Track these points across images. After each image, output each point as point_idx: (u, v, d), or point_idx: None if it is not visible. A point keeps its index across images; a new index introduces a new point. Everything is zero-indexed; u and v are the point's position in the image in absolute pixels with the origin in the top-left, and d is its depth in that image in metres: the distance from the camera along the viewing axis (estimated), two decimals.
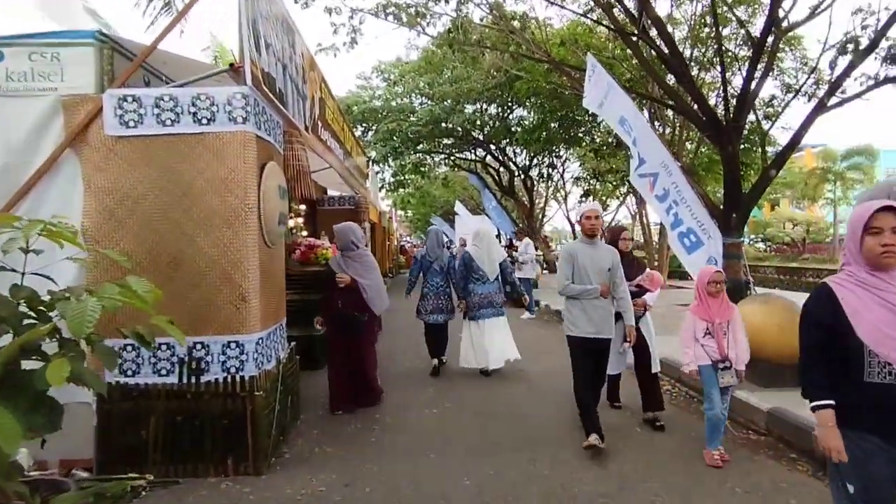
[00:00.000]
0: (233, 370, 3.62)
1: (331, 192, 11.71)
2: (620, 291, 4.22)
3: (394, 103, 18.72)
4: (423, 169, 23.57)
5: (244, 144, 3.66)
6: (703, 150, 16.09)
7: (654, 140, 10.27)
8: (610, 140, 17.52)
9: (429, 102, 17.98)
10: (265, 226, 3.91)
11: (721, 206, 10.50)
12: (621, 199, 23.21)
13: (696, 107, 11.00)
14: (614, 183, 20.30)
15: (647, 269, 5.11)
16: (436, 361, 6.46)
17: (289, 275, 7.95)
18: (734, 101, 9.27)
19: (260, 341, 3.75)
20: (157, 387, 3.55)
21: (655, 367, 4.67)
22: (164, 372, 3.60)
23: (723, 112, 10.42)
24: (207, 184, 3.62)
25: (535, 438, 4.21)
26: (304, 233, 9.54)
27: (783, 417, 4.22)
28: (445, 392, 5.55)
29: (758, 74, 9.07)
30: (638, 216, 14.99)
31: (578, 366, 4.15)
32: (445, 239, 12.81)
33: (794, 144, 9.17)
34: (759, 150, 14.15)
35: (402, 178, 23.14)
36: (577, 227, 4.51)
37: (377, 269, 5.27)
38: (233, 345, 3.63)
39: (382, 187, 22.70)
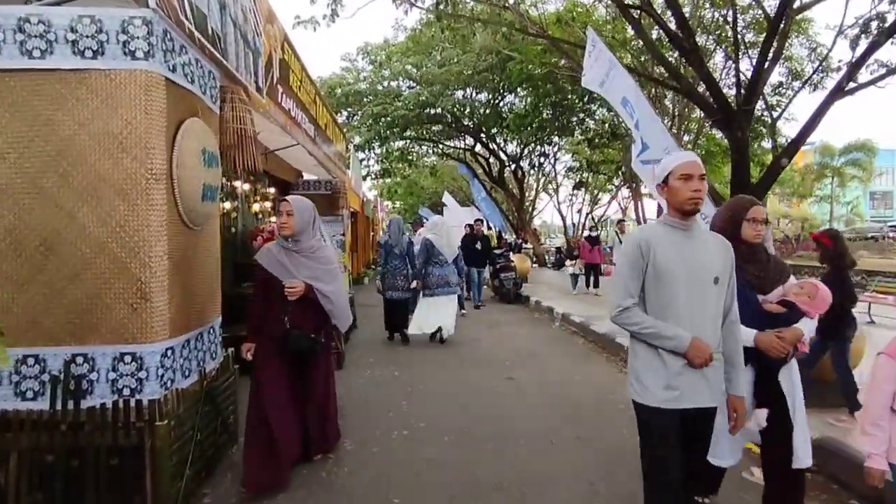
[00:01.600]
0: (127, 392, 2.67)
1: (307, 176, 10.69)
2: (731, 325, 2.20)
3: (380, 87, 17.66)
4: (410, 157, 22.57)
5: (146, 89, 2.68)
6: (700, 140, 15.29)
7: (657, 124, 9.36)
8: (606, 129, 16.66)
9: (416, 86, 16.94)
10: (181, 201, 2.94)
11: (727, 199, 9.69)
12: (613, 191, 22.40)
13: (702, 89, 10.12)
14: (608, 174, 19.44)
15: (794, 277, 2.74)
16: (387, 334, 7.50)
17: (251, 266, 7.00)
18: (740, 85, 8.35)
19: (169, 353, 2.79)
20: (20, 415, 2.59)
21: (804, 460, 2.45)
22: (29, 394, 2.63)
23: (734, 95, 9.56)
24: (93, 140, 2.64)
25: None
26: (273, 219, 8.54)
27: (836, 451, 3.36)
28: (417, 410, 4.62)
29: (768, 56, 8.18)
30: (635, 209, 14.15)
31: (656, 458, 2.14)
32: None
33: (807, 131, 8.34)
34: (762, 141, 13.40)
35: (389, 166, 22.12)
36: (658, 196, 2.60)
37: (340, 274, 3.61)
38: (127, 357, 2.67)
39: (367, 175, 21.68)
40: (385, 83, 17.75)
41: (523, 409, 4.55)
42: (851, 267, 3.71)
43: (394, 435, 3.98)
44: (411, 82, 17.51)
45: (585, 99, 15.98)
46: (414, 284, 7.24)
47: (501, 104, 17.72)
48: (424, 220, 31.10)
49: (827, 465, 3.34)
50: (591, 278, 12.00)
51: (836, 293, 3.04)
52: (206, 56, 3.36)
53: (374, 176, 22.56)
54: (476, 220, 11.88)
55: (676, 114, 14.41)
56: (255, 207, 7.60)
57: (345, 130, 18.40)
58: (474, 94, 17.96)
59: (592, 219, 23.67)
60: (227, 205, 6.37)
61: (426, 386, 5.20)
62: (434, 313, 7.04)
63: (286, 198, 3.28)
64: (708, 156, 14.75)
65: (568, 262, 12.87)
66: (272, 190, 8.48)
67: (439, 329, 7.07)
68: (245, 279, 6.55)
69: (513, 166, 20.61)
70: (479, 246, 11.03)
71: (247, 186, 7.16)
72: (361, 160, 20.38)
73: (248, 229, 7.04)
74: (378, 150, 20.12)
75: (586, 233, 15.13)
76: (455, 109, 18.08)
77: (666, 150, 9.20)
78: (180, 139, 2.92)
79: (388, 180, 27.54)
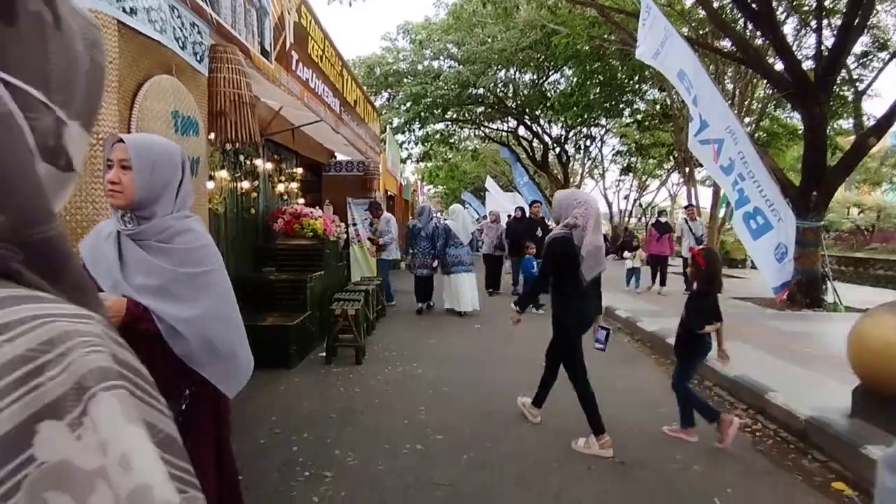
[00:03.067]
0: None
1: (340, 157, 10.23)
2: None
3: (420, 66, 17.02)
4: (451, 140, 21.90)
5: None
6: (762, 122, 13.93)
7: (718, 100, 8.33)
8: (657, 110, 15.49)
9: (457, 66, 16.20)
10: None
11: (796, 184, 8.60)
12: (663, 177, 21.07)
13: (772, 61, 8.98)
14: (658, 158, 18.20)
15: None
16: (421, 305, 8.29)
17: (271, 249, 6.61)
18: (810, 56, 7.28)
19: None
20: None
21: None
22: None
23: (809, 68, 8.43)
24: None
25: None
26: (301, 200, 8.11)
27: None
28: (436, 419, 4.06)
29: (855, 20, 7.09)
30: (688, 195, 13.04)
31: None
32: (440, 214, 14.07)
33: None
34: (837, 120, 12.01)
35: (429, 149, 21.54)
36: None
37: (225, 290, 1.62)
38: None
39: (408, 158, 21.17)
40: (425, 63, 17.09)
41: (556, 423, 3.90)
42: (717, 291, 3.64)
43: (405, 449, 3.42)
44: (452, 62, 16.80)
45: (636, 78, 14.86)
46: (435, 263, 8.22)
47: (546, 84, 16.78)
48: (468, 205, 30.28)
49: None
50: (658, 274, 9.87)
51: (690, 313, 3.58)
52: (185, 5, 2.82)
53: (414, 159, 22.05)
54: (533, 203, 10.41)
55: (737, 93, 13.15)
56: (280, 188, 7.16)
57: (384, 112, 17.94)
58: (518, 75, 17.08)
59: (640, 205, 22.41)
60: (246, 184, 5.93)
61: (450, 388, 4.62)
62: (460, 291, 7.86)
63: (122, 137, 1.48)
64: (771, 138, 13.42)
65: (626, 254, 10.49)
66: (300, 170, 8.04)
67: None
68: (266, 263, 6.13)
69: (557, 150, 19.65)
70: (539, 233, 9.03)
71: (269, 165, 6.71)
72: (401, 143, 19.89)
73: (269, 211, 6.60)
74: (418, 132, 19.57)
75: (653, 218, 13.36)
76: (497, 90, 17.27)
77: (728, 130, 8.21)
78: (142, 99, 2.40)
79: (429, 164, 27.00)
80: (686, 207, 10.49)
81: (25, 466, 0.26)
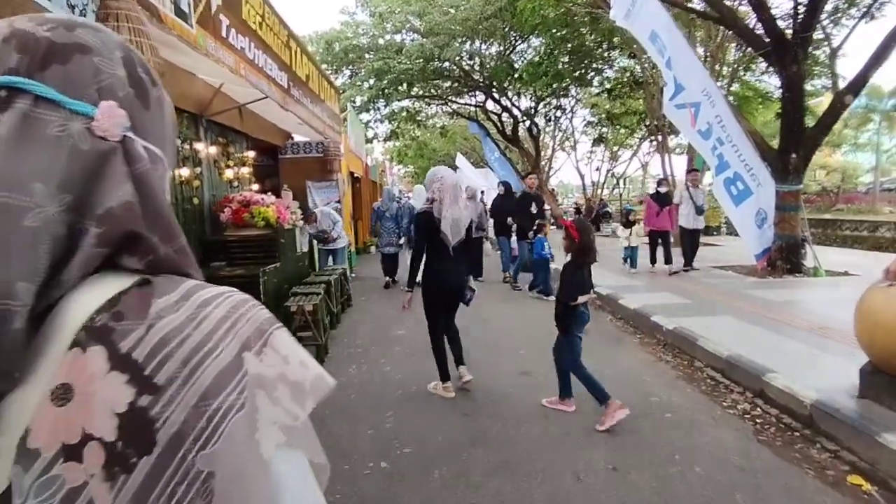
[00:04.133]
0: None
1: (297, 138, 9.55)
2: None
3: (381, 41, 16.21)
4: (418, 118, 21.18)
5: None
6: (733, 86, 13.64)
7: (693, 62, 7.89)
8: (627, 77, 15.08)
9: (419, 38, 15.47)
10: None
11: (772, 148, 8.29)
12: (635, 146, 20.80)
13: (747, 19, 8.60)
14: (630, 127, 17.86)
15: None
16: (388, 279, 8.92)
17: (220, 242, 6.00)
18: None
19: None
20: None
21: None
22: None
23: (786, 25, 8.06)
24: None
25: None
26: (255, 186, 7.47)
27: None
28: (405, 429, 3.61)
29: None
30: (662, 164, 12.74)
31: None
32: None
33: (876, 63, 6.89)
34: (811, 80, 11.78)
35: (396, 127, 20.81)
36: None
37: None
38: None
39: (374, 137, 20.42)
40: (387, 37, 16.29)
41: (539, 423, 3.49)
42: (591, 262, 3.58)
43: (368, 468, 2.96)
44: (415, 35, 16.03)
45: (605, 46, 14.39)
46: (401, 241, 8.84)
47: (513, 55, 16.18)
48: (387, 186, 29.88)
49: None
50: (660, 252, 8.73)
51: (564, 286, 3.54)
52: None
53: (381, 138, 21.32)
54: (529, 176, 9.09)
55: (708, 57, 12.80)
56: (229, 174, 6.51)
57: (346, 90, 17.11)
58: (483, 47, 16.42)
59: (613, 176, 22.13)
60: (186, 171, 5.30)
61: (420, 388, 4.17)
62: None
63: None
64: (742, 102, 13.15)
65: (619, 231, 9.27)
66: (252, 154, 7.38)
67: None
68: (214, 258, 5.53)
69: (527, 123, 19.15)
70: (534, 209, 8.06)
71: (214, 149, 6.06)
72: (367, 122, 19.13)
73: (217, 200, 5.98)
74: (384, 110, 18.83)
75: (651, 189, 12.08)
76: (463, 63, 16.61)
77: (705, 92, 7.80)
78: None
79: (397, 143, 26.25)
80: (689, 172, 8.87)
81: (245, 375, 0.44)
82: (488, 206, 10.30)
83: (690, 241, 8.58)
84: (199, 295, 0.46)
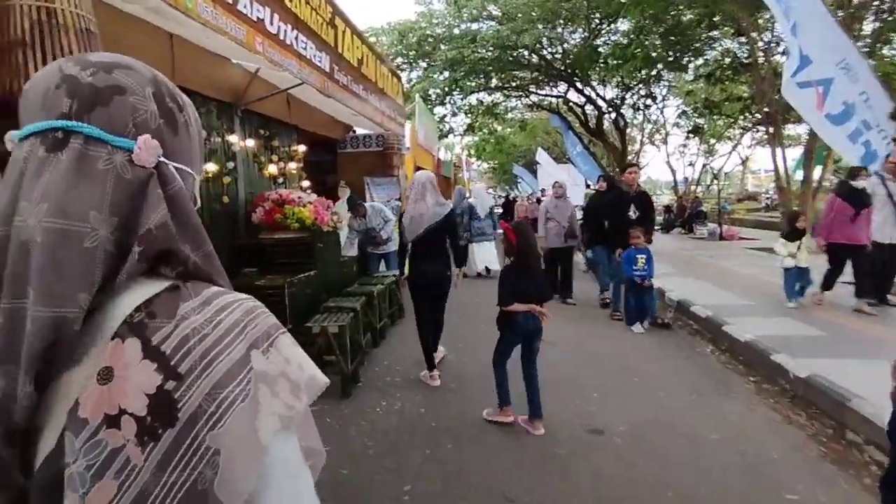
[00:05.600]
0: None
1: (359, 131, 8.86)
2: None
3: (456, 30, 15.27)
4: (496, 111, 20.08)
5: None
6: (871, 59, 11.29)
7: (828, 26, 6.15)
8: (731, 60, 13.08)
9: (495, 25, 14.35)
10: None
11: None
12: (736, 138, 18.37)
13: None
14: (730, 115, 15.66)
15: None
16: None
17: (254, 246, 5.33)
18: None
19: None
20: None
21: None
22: None
23: None
24: None
25: None
26: (306, 183, 6.83)
27: None
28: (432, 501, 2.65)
29: None
30: (773, 157, 10.77)
31: None
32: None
33: None
34: None
35: (474, 121, 19.86)
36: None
37: None
38: None
39: (450, 132, 19.59)
40: (463, 26, 15.30)
41: None
42: (533, 267, 3.37)
43: None
44: (492, 23, 14.93)
45: (703, 25, 12.50)
46: (466, 235, 9.04)
47: (597, 40, 14.62)
48: (520, 179, 28.43)
49: None
50: (851, 276, 5.71)
51: (499, 290, 3.35)
52: None
53: (458, 133, 20.46)
54: (630, 169, 6.47)
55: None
56: (272, 170, 5.87)
57: (419, 82, 16.38)
58: (565, 32, 14.99)
59: (711, 170, 19.75)
60: (212, 166, 4.66)
61: (458, 441, 3.19)
62: (478, 255, 9.39)
63: None
64: (884, 79, 10.83)
65: (780, 246, 5.93)
66: (301, 148, 6.72)
67: (487, 269, 9.40)
68: (247, 262, 4.87)
69: (613, 115, 17.45)
70: (632, 213, 5.95)
71: (252, 143, 5.42)
72: (443, 116, 18.35)
73: (254, 199, 5.33)
74: (460, 103, 17.93)
75: (830, 180, 9.67)
76: (543, 50, 15.28)
77: (843, 65, 6.11)
78: None
79: (475, 138, 25.31)
80: (888, 157, 5.67)
81: (250, 371, 0.53)
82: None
83: (888, 261, 5.73)
84: (218, 300, 0.57)
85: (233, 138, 5.09)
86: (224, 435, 0.50)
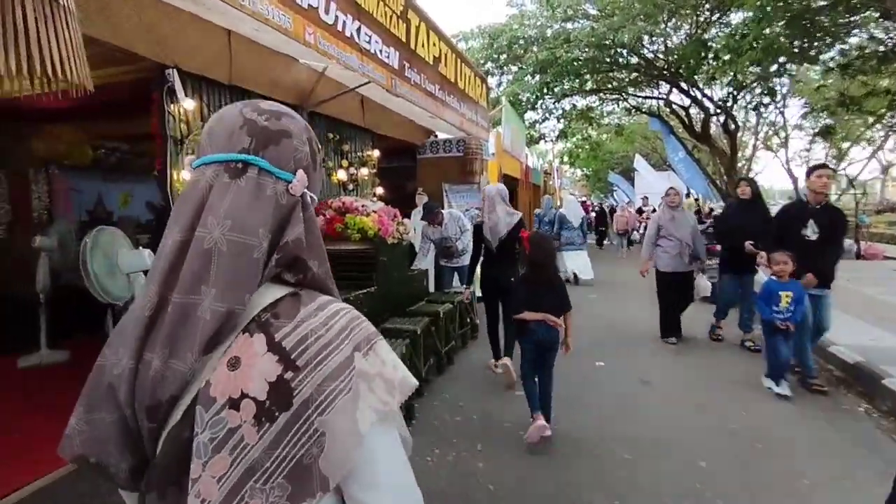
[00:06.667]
0: None
1: (441, 136, 8.36)
2: None
3: (549, 31, 14.37)
4: (591, 115, 18.83)
5: None
6: None
7: None
8: (877, 48, 11.03)
9: (590, 24, 13.28)
10: None
11: None
12: (876, 142, 15.68)
13: None
14: (873, 112, 13.30)
15: None
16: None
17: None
18: None
19: None
20: None
21: None
22: None
23: None
24: None
25: None
26: (380, 190, 6.40)
27: None
28: None
29: None
30: None
31: None
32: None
33: None
34: None
35: (567, 126, 18.78)
36: None
37: None
38: None
39: (541, 137, 18.66)
40: (556, 26, 14.37)
41: None
42: (543, 278, 3.31)
43: None
44: (587, 22, 13.87)
45: (840, 8, 10.61)
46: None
47: (706, 34, 13.03)
48: (616, 188, 26.76)
49: None
50: None
51: (512, 297, 3.52)
52: None
53: (549, 139, 19.45)
54: (819, 172, 4.29)
55: None
56: (341, 176, 5.49)
57: (509, 86, 15.66)
58: (668, 27, 13.55)
59: (846, 177, 17.04)
60: None
61: None
62: (568, 263, 9.49)
63: None
64: None
65: None
66: (375, 153, 6.31)
67: (575, 276, 9.55)
68: None
69: (722, 117, 15.59)
70: (810, 232, 4.24)
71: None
72: (534, 122, 17.51)
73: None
74: (552, 107, 16.98)
75: None
76: (643, 49, 13.95)
77: None
78: None
79: (568, 144, 24.09)
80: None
81: (353, 369, 0.62)
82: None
83: None
84: (329, 308, 0.67)
85: None
86: (329, 420, 0.59)
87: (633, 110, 19.31)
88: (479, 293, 6.70)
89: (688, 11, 12.37)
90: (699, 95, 15.36)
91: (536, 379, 3.31)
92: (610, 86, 16.69)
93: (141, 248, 3.27)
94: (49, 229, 5.01)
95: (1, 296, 5.23)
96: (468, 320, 5.67)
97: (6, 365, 4.70)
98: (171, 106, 3.28)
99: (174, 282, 0.62)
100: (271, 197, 0.68)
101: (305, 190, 0.72)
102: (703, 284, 6.48)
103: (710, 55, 12.23)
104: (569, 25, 14.18)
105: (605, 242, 18.35)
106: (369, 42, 4.12)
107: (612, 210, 21.04)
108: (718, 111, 15.60)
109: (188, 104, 3.34)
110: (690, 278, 5.69)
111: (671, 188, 5.81)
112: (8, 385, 4.29)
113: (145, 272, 3.25)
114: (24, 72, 1.55)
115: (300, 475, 0.57)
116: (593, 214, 19.43)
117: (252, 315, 0.63)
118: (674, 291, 5.51)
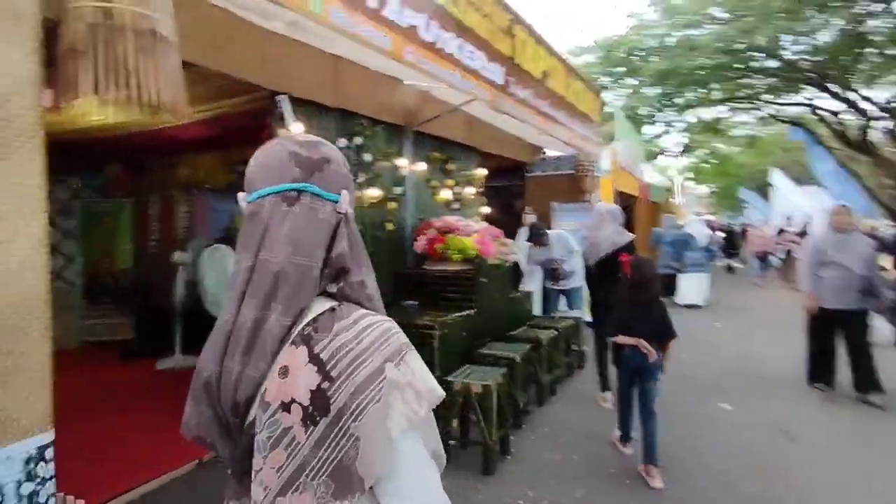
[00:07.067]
0: None
1: (550, 153, 8.07)
2: None
3: (671, 39, 13.43)
4: (718, 127, 17.28)
5: None
6: None
7: None
8: None
9: (717, 28, 12.16)
10: None
11: None
12: None
13: None
14: None
15: None
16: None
17: (417, 277, 4.55)
18: None
19: None
20: None
21: None
22: None
23: None
24: None
25: None
26: (485, 209, 6.28)
27: None
28: None
29: None
30: None
31: None
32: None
33: None
34: None
35: (691, 140, 17.44)
36: None
37: None
38: None
39: (661, 152, 17.49)
40: (678, 33, 13.39)
41: None
42: (641, 302, 3.15)
43: None
44: (713, 27, 12.73)
45: None
46: (676, 264, 9.12)
47: (863, 27, 11.29)
48: (748, 205, 24.30)
49: None
50: None
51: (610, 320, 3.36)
52: None
53: (671, 153, 18.16)
54: None
55: None
56: (445, 195, 5.45)
57: (628, 99, 14.87)
58: (815, 25, 11.96)
59: None
60: (375, 191, 4.36)
61: None
62: (685, 285, 8.98)
63: None
64: None
65: None
66: (481, 171, 6.21)
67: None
68: (410, 295, 4.46)
69: (891, 123, 13.37)
70: None
71: (423, 166, 5.05)
72: (654, 136, 16.48)
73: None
74: (674, 120, 15.85)
75: None
76: (782, 50, 12.47)
77: None
78: None
79: (692, 159, 22.33)
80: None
81: (384, 379, 0.67)
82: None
83: None
84: (363, 321, 0.72)
85: (400, 162, 4.76)
86: (363, 426, 0.65)
87: (771, 119, 17.34)
88: (587, 318, 6.29)
89: (838, 3, 10.82)
90: (856, 98, 13.35)
91: (637, 411, 3.18)
92: (741, 93, 15.15)
93: None
94: (187, 246, 5.54)
95: (147, 304, 5.90)
96: (574, 348, 5.27)
97: (147, 366, 5.26)
98: (281, 131, 3.43)
99: (249, 300, 0.72)
100: (323, 218, 0.76)
101: (349, 208, 0.81)
102: (885, 329, 5.21)
103: (871, 52, 10.56)
104: (692, 32, 13.14)
105: (736, 266, 16.37)
106: (472, 59, 4.02)
107: (744, 230, 18.71)
108: (885, 114, 13.41)
109: (295, 128, 3.47)
110: (863, 320, 4.47)
111: (841, 205, 4.63)
112: (146, 385, 4.77)
113: None
114: (130, 100, 1.62)
115: (341, 475, 0.64)
116: (720, 234, 17.64)
117: (299, 328, 0.70)
118: (835, 333, 4.54)
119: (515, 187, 8.10)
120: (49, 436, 1.60)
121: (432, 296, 4.42)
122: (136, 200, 6.22)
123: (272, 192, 0.76)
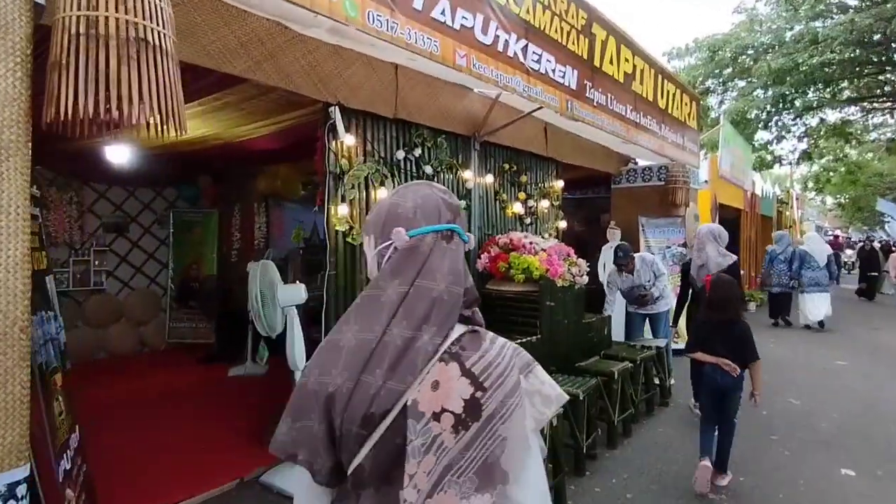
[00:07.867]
0: None
1: (640, 163, 7.38)
2: None
3: (789, 34, 11.96)
4: (849, 130, 15.17)
5: None
6: None
7: None
8: None
9: (849, 17, 10.57)
10: None
11: None
12: None
13: None
14: None
15: None
16: (775, 320, 8.89)
17: (483, 297, 4.52)
18: None
19: None
20: None
21: None
22: None
23: None
24: None
25: None
26: (562, 224, 5.80)
27: None
28: None
29: None
30: None
31: None
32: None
33: None
34: None
35: (813, 146, 15.50)
36: None
37: None
38: None
39: (776, 161, 15.69)
40: (798, 26, 11.89)
41: None
42: (721, 319, 3.10)
43: None
44: (841, 16, 11.12)
45: None
46: (792, 283, 8.65)
47: None
48: (889, 219, 21.13)
49: None
50: None
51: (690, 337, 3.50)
52: None
53: (787, 161, 16.23)
54: None
55: None
56: (517, 208, 5.07)
57: (736, 102, 13.43)
58: None
59: None
60: None
61: None
62: (811, 306, 8.32)
63: None
64: None
65: None
66: (558, 184, 5.76)
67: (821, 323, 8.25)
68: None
69: None
70: None
71: (490, 178, 4.72)
72: (767, 142, 14.84)
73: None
74: (791, 124, 14.15)
75: None
76: None
77: None
78: None
79: (814, 167, 19.86)
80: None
81: (520, 388, 0.82)
82: None
83: None
84: (499, 341, 0.85)
85: (466, 174, 4.48)
86: (509, 427, 0.78)
87: None
88: (675, 345, 5.56)
89: None
90: None
91: (716, 430, 3.15)
92: (879, 91, 13.13)
93: (297, 282, 3.31)
94: (263, 254, 5.66)
95: (226, 311, 6.11)
96: (657, 381, 4.64)
97: (222, 370, 5.41)
98: (333, 143, 3.29)
99: (401, 321, 0.80)
100: (464, 254, 0.92)
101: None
102: None
103: None
104: (817, 24, 11.59)
105: (878, 292, 12.74)
106: (538, 61, 3.65)
107: (889, 248, 15.28)
108: None
109: (348, 140, 3.32)
110: None
111: None
112: (212, 390, 4.89)
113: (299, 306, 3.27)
114: (107, 113, 1.48)
115: (486, 471, 0.76)
116: (850, 252, 15.32)
117: (445, 346, 0.81)
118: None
119: (601, 199, 7.49)
120: (22, 471, 1.49)
121: (494, 319, 4.07)
122: (221, 211, 6.52)
123: (434, 230, 0.88)
